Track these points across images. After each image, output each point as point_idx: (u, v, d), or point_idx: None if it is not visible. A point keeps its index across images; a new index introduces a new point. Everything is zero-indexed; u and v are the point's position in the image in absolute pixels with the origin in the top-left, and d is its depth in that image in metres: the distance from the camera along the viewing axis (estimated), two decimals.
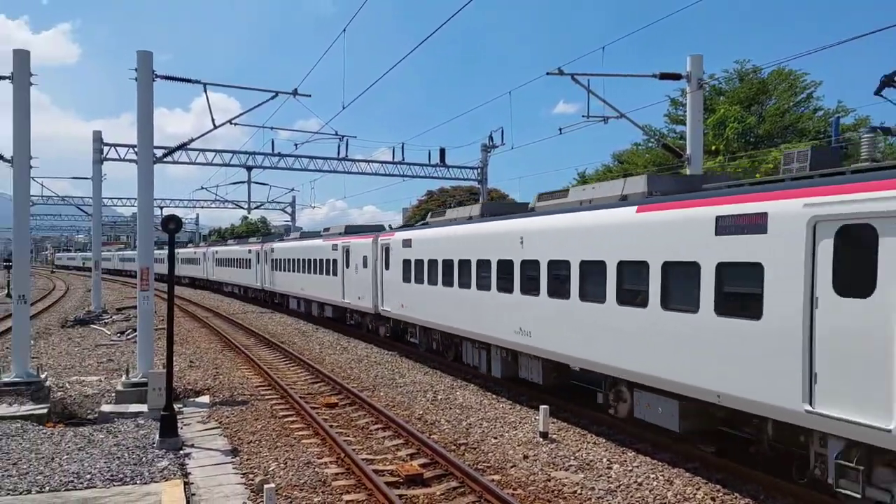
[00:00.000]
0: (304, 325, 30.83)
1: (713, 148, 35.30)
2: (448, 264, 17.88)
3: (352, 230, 28.61)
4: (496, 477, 10.24)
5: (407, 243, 20.87)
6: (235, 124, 20.64)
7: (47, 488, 9.48)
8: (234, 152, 38.85)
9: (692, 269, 9.84)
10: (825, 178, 8.55)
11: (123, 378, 15.64)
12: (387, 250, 22.42)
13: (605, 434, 12.43)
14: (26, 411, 13.68)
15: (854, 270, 7.73)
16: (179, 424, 12.33)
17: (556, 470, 10.56)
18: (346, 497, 9.50)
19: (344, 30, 18.48)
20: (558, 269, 13.22)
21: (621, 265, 11.43)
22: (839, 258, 7.85)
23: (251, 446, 11.86)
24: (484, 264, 16.05)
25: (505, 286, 15.05)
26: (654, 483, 9.88)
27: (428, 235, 19.63)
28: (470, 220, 18.07)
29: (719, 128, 35.75)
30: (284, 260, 36.21)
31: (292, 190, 59.26)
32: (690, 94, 17.78)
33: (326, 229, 32.83)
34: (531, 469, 10.60)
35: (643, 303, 10.82)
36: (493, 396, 15.69)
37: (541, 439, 12.08)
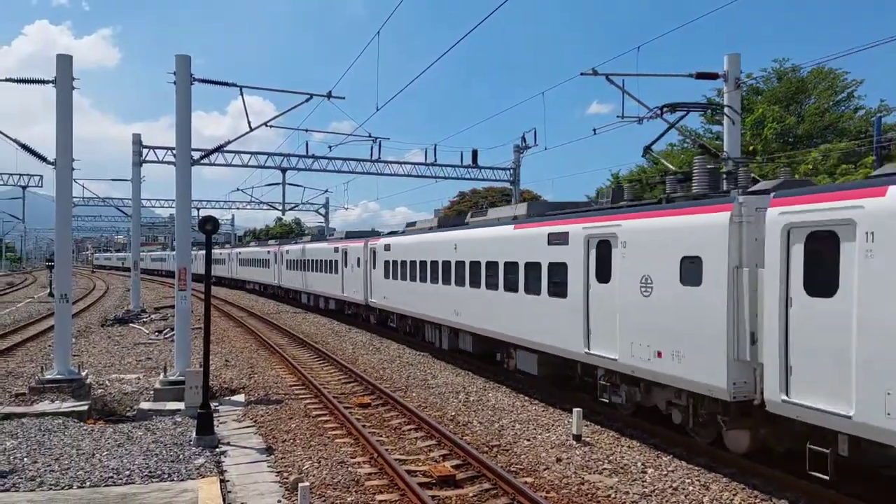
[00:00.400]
0: (337, 325, 31.06)
1: (750, 149, 34.69)
2: (413, 264, 22.55)
3: (351, 235, 33.31)
4: (529, 479, 10.19)
5: (387, 247, 25.28)
6: (271, 126, 20.87)
7: (88, 484, 9.69)
8: (269, 154, 39.33)
9: (538, 266, 14.98)
10: (594, 211, 14.07)
11: (161, 376, 15.92)
12: (374, 252, 26.81)
13: (640, 438, 12.29)
14: (68, 408, 13.99)
15: (602, 267, 12.90)
16: (215, 422, 12.53)
17: (590, 473, 10.47)
18: (379, 497, 9.54)
19: (378, 32, 18.58)
20: (475, 268, 18.03)
21: (506, 264, 16.45)
22: (598, 259, 13.06)
23: (285, 445, 11.98)
24: (434, 265, 20.80)
25: (446, 281, 19.83)
26: (690, 488, 9.74)
27: (401, 241, 24.40)
28: (430, 230, 22.53)
29: (757, 128, 35.12)
30: (295, 260, 41.13)
31: (326, 191, 59.83)
32: (727, 94, 17.51)
33: (332, 235, 37.81)
34: (564, 472, 10.53)
35: (516, 289, 15.93)
36: (526, 398, 15.63)
37: (574, 442, 12.00)
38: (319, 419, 13.91)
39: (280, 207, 51.61)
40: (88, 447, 11.42)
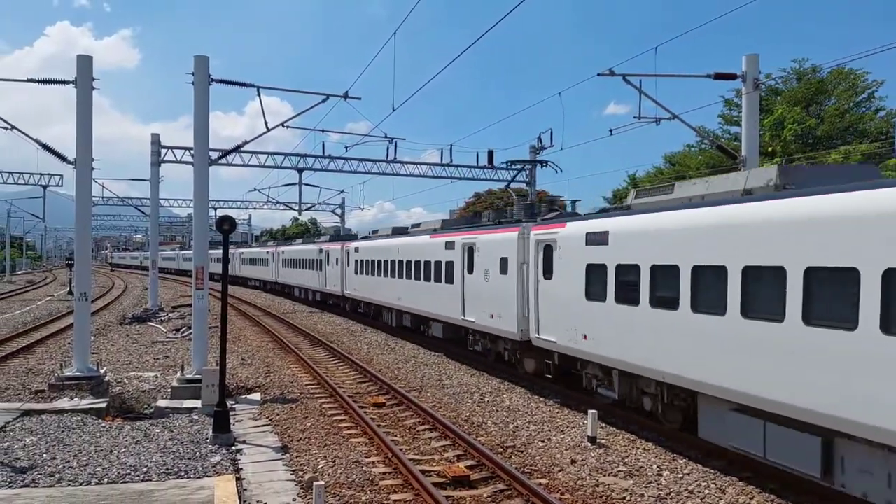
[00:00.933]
0: (352, 325, 31.17)
1: (769, 150, 34.39)
2: (373, 263, 28.91)
3: (333, 238, 40.72)
4: (543, 481, 10.18)
5: (357, 249, 31.83)
6: (287, 127, 21.01)
7: (106, 480, 9.79)
8: (285, 154, 39.52)
9: (441, 264, 21.36)
10: (468, 228, 20.87)
11: (178, 374, 16.05)
12: (348, 253, 33.30)
13: (655, 440, 12.23)
14: (86, 405, 14.14)
15: (470, 264, 19.29)
16: (232, 421, 12.61)
17: (605, 475, 10.43)
18: (394, 497, 9.56)
19: (394, 33, 18.63)
20: (409, 265, 24.35)
21: (425, 262, 22.74)
22: (468, 258, 19.40)
23: (301, 444, 12.04)
24: (386, 263, 27.14)
25: (393, 275, 26.17)
26: (706, 491, 9.68)
27: (366, 245, 30.91)
28: (386, 237, 28.88)
29: (777, 128, 34.79)
30: (289, 259, 47.75)
31: (342, 192, 59.88)
32: (746, 95, 17.37)
33: (321, 238, 44.15)
34: (579, 474, 10.50)
35: (430, 279, 22.28)
36: (541, 399, 15.60)
37: (589, 444, 11.96)
38: (334, 418, 13.96)
39: (296, 208, 51.87)
40: (106, 444, 11.54)
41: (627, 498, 9.49)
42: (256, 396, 15.82)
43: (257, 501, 9.14)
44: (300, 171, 41.22)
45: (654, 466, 10.79)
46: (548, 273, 15.28)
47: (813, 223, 8.77)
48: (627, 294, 12.25)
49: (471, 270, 19.37)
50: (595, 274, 13.24)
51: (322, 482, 9.15)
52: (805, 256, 8.82)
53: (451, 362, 20.74)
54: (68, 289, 49.60)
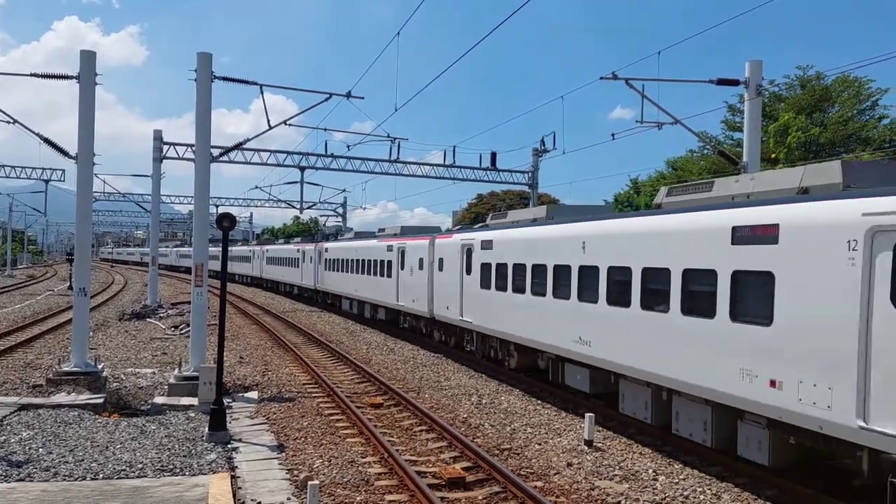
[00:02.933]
0: (351, 324, 31.17)
1: (773, 156, 34.35)
2: (338, 261, 34.89)
3: (306, 240, 48.07)
4: (539, 484, 10.16)
5: (328, 249, 37.72)
6: (290, 125, 20.98)
7: (101, 476, 9.78)
8: (287, 153, 39.50)
9: (385, 262, 27.07)
10: (405, 234, 27.06)
11: (176, 371, 16.04)
12: (320, 252, 39.10)
13: (652, 444, 12.20)
14: (83, 401, 14.13)
15: (402, 261, 25.19)
16: (228, 419, 12.60)
17: (601, 479, 10.41)
18: (389, 497, 9.55)
19: (398, 33, 18.65)
20: (361, 262, 30.32)
21: (372, 260, 28.68)
22: (401, 258, 25.50)
23: (297, 443, 12.03)
24: (347, 261, 33.08)
25: (353, 272, 31.56)
26: (702, 497, 9.66)
27: (334, 245, 37.45)
28: (349, 239, 36.03)
29: (781, 135, 34.77)
30: (271, 258, 53.12)
31: (344, 191, 59.93)
32: (749, 101, 17.36)
33: (298, 239, 51.06)
34: (574, 477, 10.48)
35: (376, 274, 28.06)
36: (539, 402, 15.58)
37: (585, 447, 11.94)
38: (331, 418, 13.95)
39: (298, 206, 51.89)
40: (102, 440, 11.53)
41: (622, 502, 9.47)
42: (254, 395, 15.81)
43: (251, 500, 9.12)
44: (302, 169, 41.23)
45: (650, 471, 10.76)
46: (460, 270, 20.18)
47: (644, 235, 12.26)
48: (499, 283, 17.52)
49: (402, 267, 25.33)
50: (485, 270, 18.45)
51: (317, 481, 9.13)
52: (642, 259, 11.95)
53: (450, 363, 20.73)
54: (68, 284, 49.60)
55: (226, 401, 13.46)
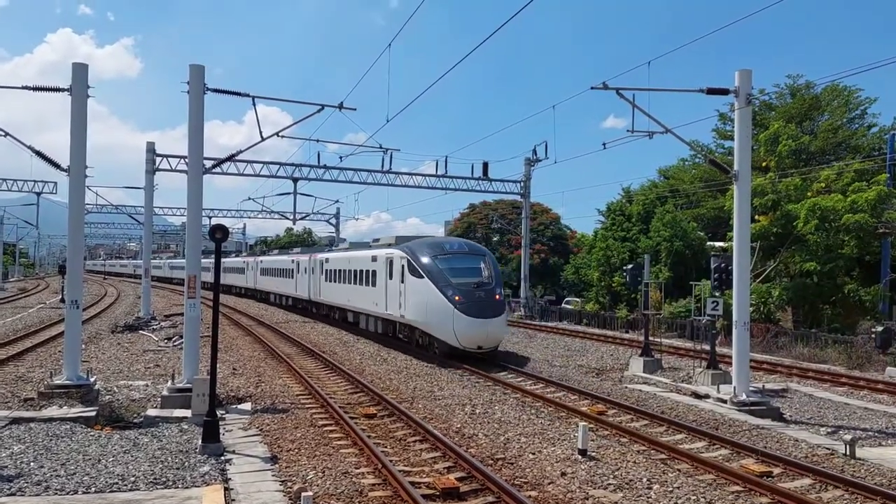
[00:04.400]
0: (345, 335, 31.11)
1: (763, 164, 34.59)
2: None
3: (305, 251, 47.24)
4: (533, 493, 10.15)
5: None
6: (282, 137, 20.94)
7: (93, 489, 9.73)
8: (280, 164, 39.54)
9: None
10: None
11: (169, 383, 15.98)
12: (256, 264, 52.37)
13: (646, 453, 12.23)
14: (75, 413, 14.05)
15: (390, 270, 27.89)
16: (221, 430, 12.55)
17: (595, 488, 10.42)
18: None
19: (389, 45, 18.75)
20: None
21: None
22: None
23: (290, 454, 11.99)
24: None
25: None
26: None
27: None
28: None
29: (772, 144, 35.05)
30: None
31: (337, 202, 59.99)
32: (738, 111, 17.47)
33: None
34: (569, 486, 10.48)
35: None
36: (533, 412, 15.58)
37: (580, 456, 11.94)
38: (325, 429, 13.91)
39: (291, 217, 51.88)
40: (95, 453, 11.47)
41: None
42: (247, 406, 15.76)
43: None
44: (295, 180, 41.28)
45: (645, 479, 10.78)
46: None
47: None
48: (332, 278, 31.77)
49: (298, 272, 39.64)
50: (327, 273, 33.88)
51: (310, 492, 9.11)
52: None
53: (444, 372, 20.72)
54: (60, 296, 49.37)
55: (219, 412, 13.42)
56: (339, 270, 33.06)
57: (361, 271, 29.01)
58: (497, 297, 22.94)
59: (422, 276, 23.04)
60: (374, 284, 27.20)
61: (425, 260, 23.25)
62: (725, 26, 17.68)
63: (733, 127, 20.78)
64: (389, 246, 26.66)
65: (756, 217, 31.66)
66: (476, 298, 22.15)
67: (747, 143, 17.59)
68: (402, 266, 24.21)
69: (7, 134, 17.38)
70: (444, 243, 25.08)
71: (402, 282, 24.08)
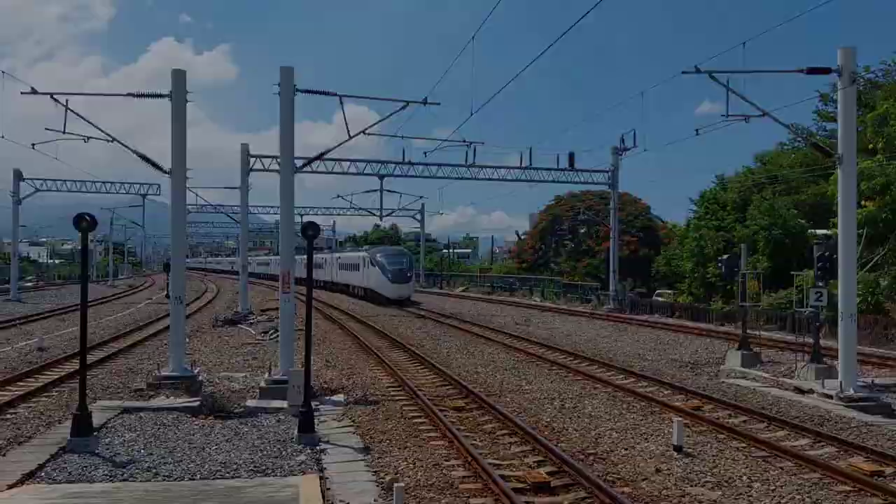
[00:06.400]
0: (432, 327, 31.41)
1: (870, 146, 32.56)
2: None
3: (354, 250, 68.16)
4: (626, 489, 9.94)
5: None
6: (368, 134, 21.27)
7: (198, 476, 10.21)
8: (367, 161, 40.30)
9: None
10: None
11: (266, 375, 16.57)
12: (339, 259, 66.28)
13: (745, 450, 11.76)
14: (181, 404, 14.77)
15: (367, 263, 55.76)
16: (316, 421, 12.90)
17: (692, 486, 10.11)
18: (473, 500, 9.56)
19: (473, 37, 18.75)
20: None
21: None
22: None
23: (382, 445, 12.20)
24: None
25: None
26: None
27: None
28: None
29: (879, 125, 32.89)
30: (343, 264, 63.73)
31: (421, 198, 60.66)
32: (842, 90, 16.51)
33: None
34: (664, 483, 10.21)
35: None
36: (624, 406, 15.27)
37: (675, 453, 11.61)
38: (414, 421, 14.09)
39: (378, 213, 52.84)
40: (199, 441, 12.04)
41: None
42: (340, 398, 16.13)
43: (340, 500, 9.32)
44: (381, 177, 42.01)
45: (745, 477, 10.37)
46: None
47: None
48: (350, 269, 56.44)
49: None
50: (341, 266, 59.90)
51: (402, 484, 9.25)
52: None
53: (531, 366, 20.60)
54: (165, 293, 52.08)
55: (313, 404, 13.78)
56: (349, 264, 57.72)
57: (355, 264, 54.26)
58: (409, 274, 48.36)
59: (375, 266, 48.18)
60: (358, 270, 52.57)
61: (378, 258, 48.76)
62: (827, 2, 16.70)
63: (836, 108, 19.65)
64: (365, 251, 54.04)
65: (862, 202, 29.83)
66: (398, 275, 46.90)
67: (852, 124, 16.63)
68: (367, 261, 49.89)
69: (114, 139, 18.41)
70: (388, 249, 54.96)
71: (367, 268, 49.71)
